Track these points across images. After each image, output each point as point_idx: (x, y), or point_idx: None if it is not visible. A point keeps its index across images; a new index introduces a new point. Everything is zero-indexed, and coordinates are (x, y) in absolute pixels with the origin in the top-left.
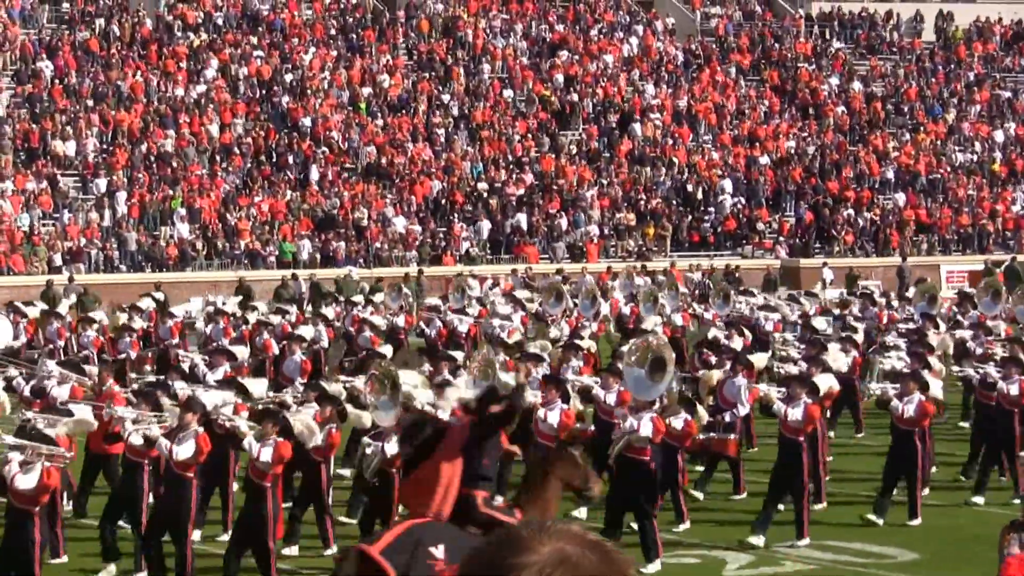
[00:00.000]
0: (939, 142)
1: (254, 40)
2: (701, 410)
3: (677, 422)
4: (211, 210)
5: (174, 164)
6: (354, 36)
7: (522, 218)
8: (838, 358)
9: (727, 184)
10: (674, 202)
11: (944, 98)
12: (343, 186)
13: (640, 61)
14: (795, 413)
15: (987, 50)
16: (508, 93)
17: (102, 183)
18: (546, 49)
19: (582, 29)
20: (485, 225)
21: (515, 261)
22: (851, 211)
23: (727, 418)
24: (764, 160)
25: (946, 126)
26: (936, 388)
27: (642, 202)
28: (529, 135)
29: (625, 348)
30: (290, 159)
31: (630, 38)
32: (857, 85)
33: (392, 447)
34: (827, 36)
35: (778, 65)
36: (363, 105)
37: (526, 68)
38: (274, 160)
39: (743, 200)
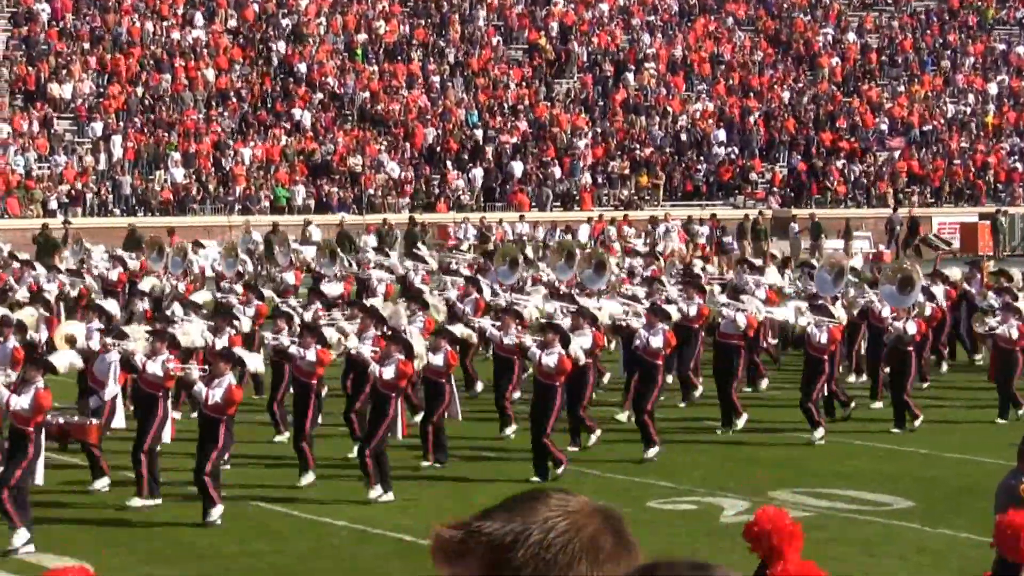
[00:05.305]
0: (933, 94)
1: None
2: (42, 384)
3: (24, 400)
4: (206, 155)
5: (167, 108)
6: None
7: (516, 166)
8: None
9: (720, 134)
10: (668, 151)
11: (938, 50)
12: (337, 132)
13: (636, 10)
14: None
15: (985, 2)
16: (504, 41)
17: (98, 126)
18: None
19: None
20: (479, 173)
21: (508, 209)
22: (843, 162)
23: (92, 402)
24: (758, 110)
25: (941, 78)
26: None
27: (636, 151)
28: (524, 83)
29: None
30: (285, 105)
31: None
32: (852, 36)
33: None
34: None
35: (773, 15)
36: (359, 52)
37: (522, 16)
38: (269, 106)
39: (736, 150)
